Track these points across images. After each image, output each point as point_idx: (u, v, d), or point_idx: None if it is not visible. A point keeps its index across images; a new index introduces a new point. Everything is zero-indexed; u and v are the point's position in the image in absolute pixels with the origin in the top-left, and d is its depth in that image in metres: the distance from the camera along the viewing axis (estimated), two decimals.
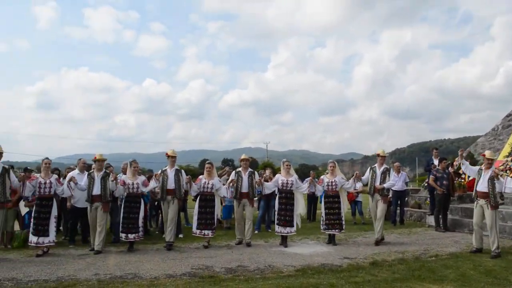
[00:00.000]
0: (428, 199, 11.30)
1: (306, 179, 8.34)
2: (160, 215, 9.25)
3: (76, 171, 8.30)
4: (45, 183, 6.92)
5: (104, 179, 7.26)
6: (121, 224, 7.32)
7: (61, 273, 5.56)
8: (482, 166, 7.27)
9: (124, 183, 7.35)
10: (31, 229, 6.87)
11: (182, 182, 7.67)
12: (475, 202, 7.25)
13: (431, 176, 10.29)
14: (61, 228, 8.87)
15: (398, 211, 11.46)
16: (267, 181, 8.66)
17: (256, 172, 8.47)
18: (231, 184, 7.92)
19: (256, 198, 8.87)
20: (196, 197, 8.03)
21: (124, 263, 6.22)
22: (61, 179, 7.61)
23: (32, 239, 6.81)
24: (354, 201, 12.09)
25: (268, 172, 10.83)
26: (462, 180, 10.94)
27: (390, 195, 9.64)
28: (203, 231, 7.69)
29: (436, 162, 10.76)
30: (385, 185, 7.97)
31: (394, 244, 8.06)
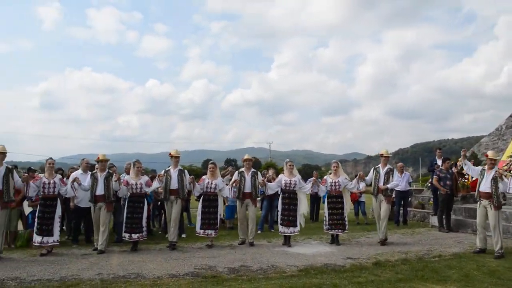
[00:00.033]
0: (432, 199, 11.27)
1: (309, 179, 8.34)
2: (163, 215, 9.27)
3: (79, 171, 8.33)
4: (49, 183, 6.95)
5: (107, 179, 7.28)
6: (124, 224, 7.33)
7: (64, 273, 5.58)
8: (485, 166, 7.25)
9: (127, 183, 7.36)
10: (35, 229, 6.89)
11: (185, 182, 7.68)
12: (478, 203, 7.24)
13: (434, 176, 10.27)
14: (64, 227, 8.90)
15: (401, 211, 11.45)
16: (270, 181, 8.66)
17: (259, 172, 8.48)
18: (234, 184, 7.94)
19: (259, 198, 8.86)
20: (199, 197, 8.05)
21: (127, 263, 6.24)
22: (64, 179, 7.64)
23: (37, 238, 6.83)
24: (357, 201, 12.06)
25: (271, 172, 10.82)
26: (466, 181, 10.89)
27: (394, 196, 9.62)
28: (206, 231, 7.70)
29: (439, 162, 10.73)
30: (389, 186, 7.96)
31: (397, 244, 8.04)
